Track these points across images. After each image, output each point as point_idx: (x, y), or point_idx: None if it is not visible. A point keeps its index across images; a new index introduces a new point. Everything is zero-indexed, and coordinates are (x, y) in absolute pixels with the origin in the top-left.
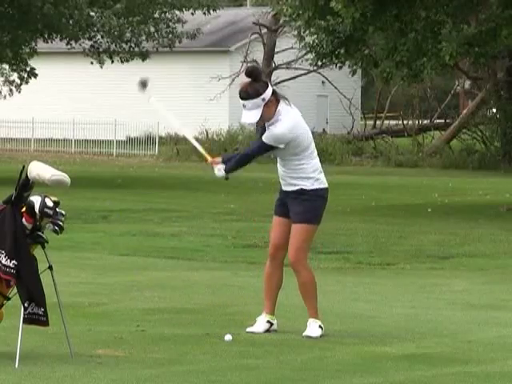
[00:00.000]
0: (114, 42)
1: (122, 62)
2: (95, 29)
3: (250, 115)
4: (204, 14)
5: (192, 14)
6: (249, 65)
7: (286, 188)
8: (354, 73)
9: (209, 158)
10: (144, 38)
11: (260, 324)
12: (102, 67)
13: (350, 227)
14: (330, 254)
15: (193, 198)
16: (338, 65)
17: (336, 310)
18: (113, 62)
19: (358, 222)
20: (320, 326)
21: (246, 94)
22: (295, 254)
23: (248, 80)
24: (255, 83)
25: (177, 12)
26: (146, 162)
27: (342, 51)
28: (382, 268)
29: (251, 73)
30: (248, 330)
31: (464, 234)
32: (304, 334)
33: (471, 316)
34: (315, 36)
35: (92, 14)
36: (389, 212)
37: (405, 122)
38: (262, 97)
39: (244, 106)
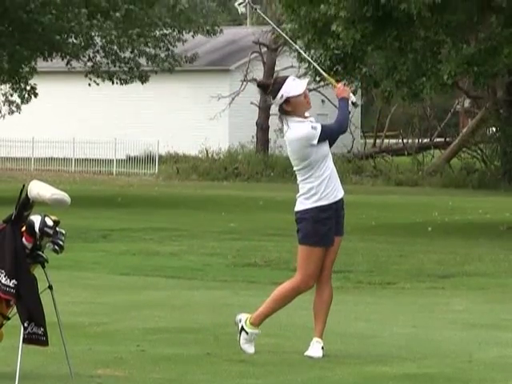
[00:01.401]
0: (113, 63)
1: (121, 83)
2: (96, 49)
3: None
4: (205, 36)
5: (192, 36)
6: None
7: None
8: (354, 93)
9: (336, 84)
10: (144, 59)
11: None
12: (98, 84)
13: (351, 246)
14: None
15: (193, 216)
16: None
17: (336, 330)
18: (113, 83)
19: (359, 241)
20: (322, 348)
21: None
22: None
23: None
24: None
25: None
26: (146, 181)
27: (340, 68)
28: (382, 287)
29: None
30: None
31: (464, 253)
32: (306, 353)
33: (472, 335)
34: (313, 51)
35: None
36: (389, 231)
37: (405, 140)
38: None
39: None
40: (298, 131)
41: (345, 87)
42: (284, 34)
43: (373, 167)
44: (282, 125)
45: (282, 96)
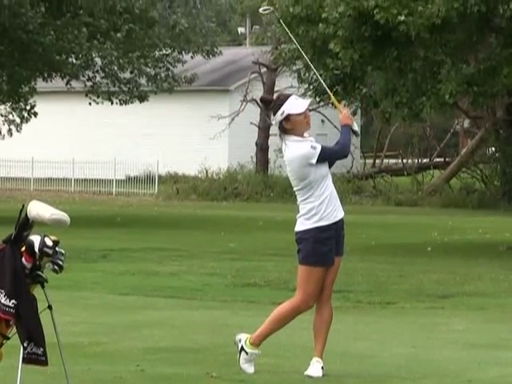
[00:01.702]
0: (113, 83)
1: (120, 104)
2: (95, 69)
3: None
4: (204, 57)
5: (192, 57)
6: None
7: None
8: (354, 114)
9: (343, 110)
10: (144, 80)
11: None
12: (98, 103)
13: (350, 266)
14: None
15: (192, 236)
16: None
17: (336, 349)
18: (112, 103)
19: (358, 261)
20: (322, 367)
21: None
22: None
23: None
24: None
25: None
26: (146, 201)
27: (340, 89)
28: (382, 307)
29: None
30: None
31: (464, 272)
32: (306, 373)
33: (472, 355)
34: (313, 72)
35: (92, 45)
36: (389, 251)
37: (404, 160)
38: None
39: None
40: (297, 150)
41: (350, 115)
42: (302, 51)
43: (372, 187)
44: (282, 144)
45: (283, 112)
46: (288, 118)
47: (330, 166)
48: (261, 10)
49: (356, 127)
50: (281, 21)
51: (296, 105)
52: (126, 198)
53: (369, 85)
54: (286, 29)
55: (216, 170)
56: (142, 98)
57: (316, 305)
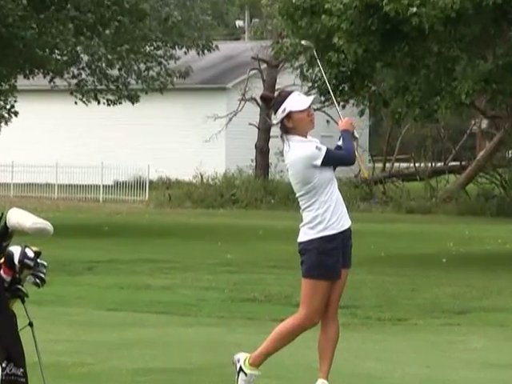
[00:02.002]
0: (100, 81)
1: (108, 104)
2: (81, 66)
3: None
4: (198, 54)
5: (185, 53)
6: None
7: None
8: (361, 113)
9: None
10: (133, 78)
11: None
12: (84, 103)
13: (358, 279)
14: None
15: (186, 247)
16: (341, 103)
17: (343, 370)
18: (99, 103)
19: (367, 274)
20: None
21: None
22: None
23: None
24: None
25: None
26: (136, 209)
27: (347, 87)
28: (392, 324)
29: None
30: None
31: (482, 286)
32: None
33: (490, 376)
34: (317, 69)
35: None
36: (400, 262)
37: (417, 164)
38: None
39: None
40: (300, 151)
41: (352, 121)
42: (327, 81)
43: (382, 193)
44: (284, 145)
45: (285, 110)
46: (290, 115)
47: (333, 170)
48: (303, 42)
49: (356, 134)
50: (318, 61)
51: (298, 101)
52: (114, 205)
53: (378, 83)
54: (321, 68)
55: (212, 174)
56: (132, 98)
57: (321, 321)
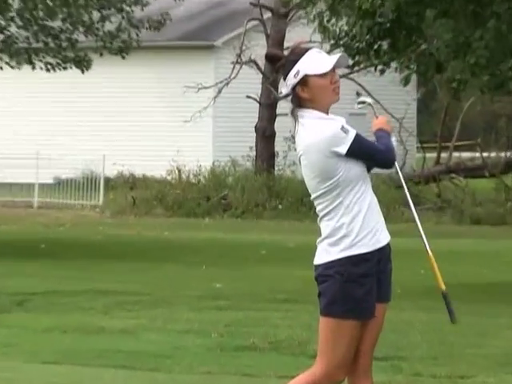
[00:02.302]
0: (36, 36)
1: (47, 70)
2: (10, 15)
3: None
4: None
5: None
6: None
7: None
8: (406, 82)
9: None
10: (82, 31)
11: None
12: (17, 70)
13: (403, 318)
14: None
15: (158, 272)
16: (379, 67)
17: None
18: (34, 68)
19: (415, 310)
20: None
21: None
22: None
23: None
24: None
25: None
26: (85, 218)
27: (385, 45)
28: (452, 382)
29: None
30: None
31: None
32: None
33: None
34: (344, 20)
35: None
36: (461, 294)
37: (485, 154)
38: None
39: None
40: (319, 131)
41: (387, 120)
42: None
43: (436, 196)
44: (295, 124)
45: (298, 72)
46: (305, 81)
47: (368, 171)
48: (358, 102)
49: (394, 139)
50: (373, 106)
51: (318, 61)
52: (55, 212)
53: (429, 39)
54: (375, 109)
55: (194, 169)
56: (81, 62)
57: (348, 379)
